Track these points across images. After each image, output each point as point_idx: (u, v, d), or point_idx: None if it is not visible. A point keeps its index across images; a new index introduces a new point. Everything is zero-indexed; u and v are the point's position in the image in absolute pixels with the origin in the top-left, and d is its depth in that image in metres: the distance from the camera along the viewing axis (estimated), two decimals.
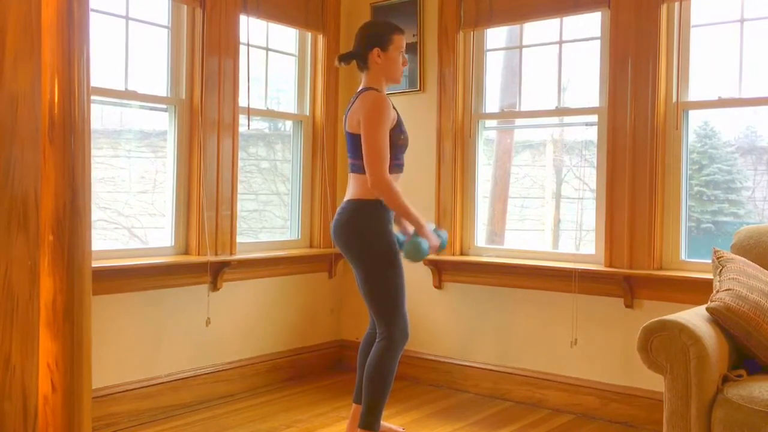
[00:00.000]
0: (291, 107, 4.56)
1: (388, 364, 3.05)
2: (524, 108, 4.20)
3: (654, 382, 3.40)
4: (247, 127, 4.13)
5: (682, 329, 2.41)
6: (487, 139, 4.39)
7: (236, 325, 4.11)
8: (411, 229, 3.14)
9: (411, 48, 4.25)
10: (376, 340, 3.10)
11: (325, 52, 4.53)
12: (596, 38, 3.86)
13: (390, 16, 4.35)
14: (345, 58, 3.18)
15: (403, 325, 3.07)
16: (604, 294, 3.74)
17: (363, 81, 3.16)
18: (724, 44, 3.58)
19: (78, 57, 2.52)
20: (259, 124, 4.54)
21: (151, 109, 3.86)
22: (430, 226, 3.15)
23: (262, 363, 4.23)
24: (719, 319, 2.53)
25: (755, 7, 3.46)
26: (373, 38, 3.11)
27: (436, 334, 4.32)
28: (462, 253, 4.27)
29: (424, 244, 3.04)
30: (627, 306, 3.66)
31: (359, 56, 3.14)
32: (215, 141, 3.91)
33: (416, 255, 3.05)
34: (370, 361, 3.07)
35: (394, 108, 3.09)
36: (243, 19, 4.04)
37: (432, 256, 4.21)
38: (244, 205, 4.35)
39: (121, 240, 3.86)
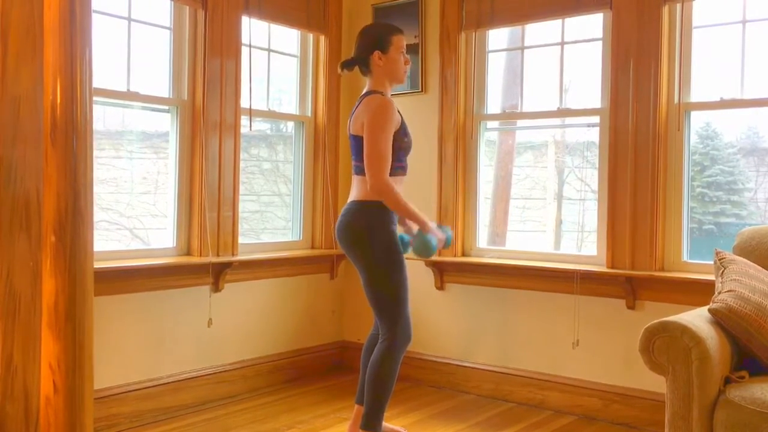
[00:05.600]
0: (293, 108, 4.56)
1: (391, 366, 3.05)
2: (526, 109, 4.20)
3: (656, 384, 3.39)
4: (248, 128, 4.14)
5: (684, 330, 2.41)
6: (488, 140, 4.39)
7: (238, 326, 4.11)
8: (415, 228, 3.14)
9: (412, 49, 4.25)
10: (379, 341, 3.10)
11: (326, 53, 4.53)
12: (598, 39, 3.86)
13: (392, 18, 4.35)
14: (347, 65, 3.19)
15: (405, 326, 3.07)
16: (605, 295, 3.74)
17: (367, 85, 3.16)
18: (726, 45, 3.58)
19: (80, 58, 2.52)
20: (260, 125, 4.54)
21: (153, 110, 3.87)
22: (432, 224, 3.16)
23: (264, 364, 4.23)
24: (721, 320, 2.53)
25: (757, 8, 3.46)
26: (372, 41, 3.12)
27: (438, 335, 4.32)
28: (464, 254, 4.27)
29: (433, 239, 3.06)
30: (629, 307, 3.66)
31: (361, 61, 3.15)
32: (217, 142, 3.91)
33: (426, 251, 3.08)
34: (373, 362, 3.07)
35: (398, 111, 3.09)
36: (245, 20, 4.05)
37: (433, 257, 4.22)
38: (245, 206, 4.35)
39: (123, 241, 3.86)
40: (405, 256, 3.13)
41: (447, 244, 3.20)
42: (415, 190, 4.23)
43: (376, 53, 3.10)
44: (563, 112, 4.03)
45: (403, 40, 3.16)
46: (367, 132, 2.99)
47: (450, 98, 4.25)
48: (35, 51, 2.38)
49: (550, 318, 3.92)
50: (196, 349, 3.90)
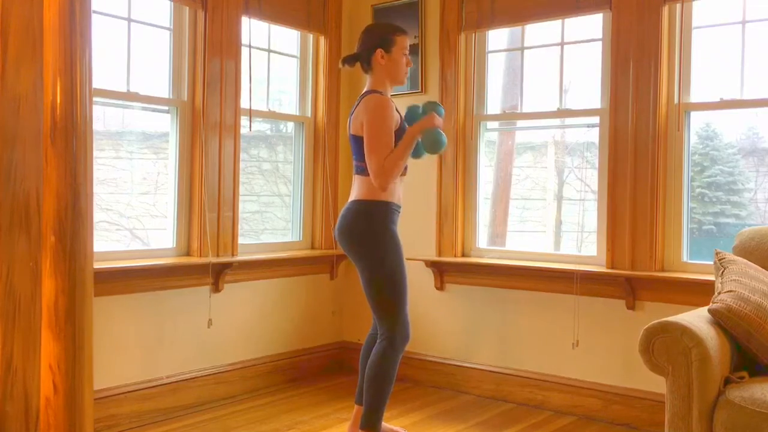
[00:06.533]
0: (293, 109, 4.56)
1: (389, 365, 3.05)
2: (526, 109, 4.20)
3: (656, 384, 3.39)
4: (248, 129, 4.14)
5: (683, 331, 2.41)
6: (488, 140, 4.39)
7: (238, 326, 4.11)
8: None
9: (412, 49, 4.23)
10: (377, 341, 3.10)
11: (326, 54, 4.53)
12: (598, 40, 3.86)
13: (391, 18, 4.35)
14: (349, 60, 3.19)
15: (404, 326, 3.08)
16: (605, 295, 3.74)
17: (367, 83, 3.16)
18: (725, 46, 3.58)
19: (80, 58, 2.52)
20: (260, 126, 4.54)
21: (153, 110, 3.87)
22: (415, 110, 3.19)
23: (264, 364, 4.23)
24: (721, 320, 2.53)
25: (757, 8, 3.46)
26: (376, 39, 3.12)
27: (438, 336, 4.32)
28: (464, 255, 4.27)
29: (437, 133, 3.06)
30: (629, 307, 3.66)
31: (363, 58, 3.15)
32: (217, 142, 3.91)
33: (438, 146, 3.08)
34: (371, 362, 3.07)
35: (397, 110, 3.09)
36: (245, 20, 4.05)
37: (434, 258, 4.23)
38: (245, 206, 4.35)
39: (122, 241, 3.86)
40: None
41: (441, 115, 3.19)
42: (415, 190, 4.23)
43: (379, 51, 3.10)
44: (563, 113, 4.03)
45: (406, 41, 3.17)
46: (366, 130, 2.99)
47: (450, 99, 4.25)
48: (35, 51, 2.38)
49: (550, 318, 3.92)
50: (196, 349, 3.90)
